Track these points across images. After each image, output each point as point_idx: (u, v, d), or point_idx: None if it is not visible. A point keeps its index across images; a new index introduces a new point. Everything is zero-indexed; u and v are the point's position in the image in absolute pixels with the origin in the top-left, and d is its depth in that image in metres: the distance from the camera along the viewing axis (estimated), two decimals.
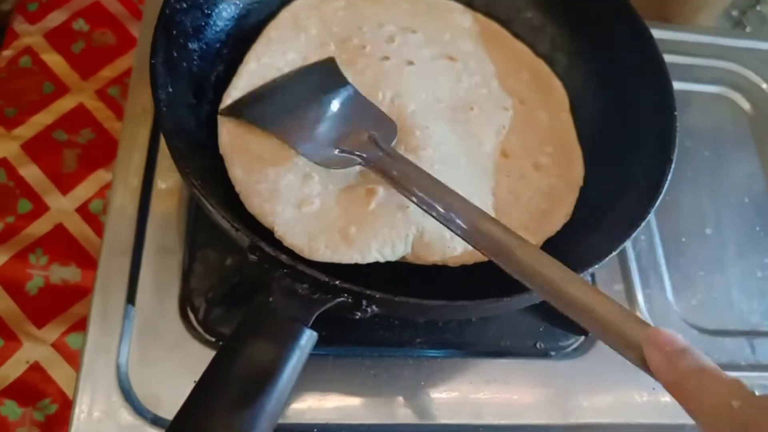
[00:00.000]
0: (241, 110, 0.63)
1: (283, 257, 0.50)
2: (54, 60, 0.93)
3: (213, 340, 0.62)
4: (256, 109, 0.63)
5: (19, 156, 0.87)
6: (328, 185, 0.60)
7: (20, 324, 0.77)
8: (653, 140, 0.64)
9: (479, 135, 0.67)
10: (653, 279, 0.75)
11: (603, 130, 0.69)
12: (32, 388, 0.75)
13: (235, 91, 0.64)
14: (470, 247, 0.55)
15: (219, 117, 0.62)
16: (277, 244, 0.55)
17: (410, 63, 0.70)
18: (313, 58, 0.69)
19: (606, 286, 0.73)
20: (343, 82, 0.66)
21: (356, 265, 0.55)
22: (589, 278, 0.71)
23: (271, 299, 0.49)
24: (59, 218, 0.84)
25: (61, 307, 0.79)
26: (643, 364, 0.40)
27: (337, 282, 0.49)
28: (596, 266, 0.55)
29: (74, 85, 0.92)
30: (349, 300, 0.50)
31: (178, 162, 0.53)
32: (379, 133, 0.61)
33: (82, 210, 0.84)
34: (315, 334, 0.48)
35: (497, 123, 0.69)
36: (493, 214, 0.61)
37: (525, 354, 0.67)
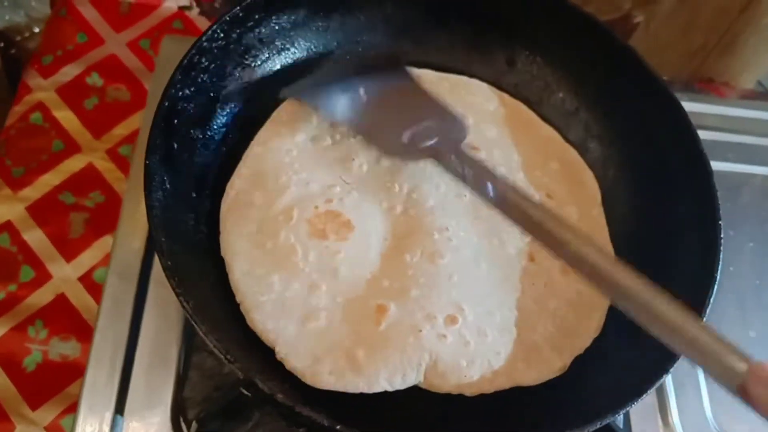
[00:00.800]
0: (300, 92, 0.62)
1: (279, 397, 0.45)
2: (66, 117, 0.90)
3: None
4: (317, 95, 0.62)
5: (24, 219, 0.84)
6: (336, 296, 0.56)
7: (14, 404, 0.74)
8: (694, 251, 0.58)
9: (501, 234, 0.62)
10: (689, 387, 0.69)
11: (638, 231, 0.63)
12: None
13: (238, 180, 0.60)
14: (488, 375, 0.50)
15: (222, 214, 0.58)
16: (273, 366, 0.50)
17: None
18: (325, 138, 0.64)
19: None
20: (408, 77, 0.64)
21: (359, 395, 0.51)
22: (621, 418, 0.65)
23: None
24: (61, 288, 0.80)
25: (57, 386, 0.75)
26: (744, 396, 0.42)
27: (338, 427, 0.44)
28: (634, 404, 0.50)
29: (85, 144, 0.89)
30: None
31: (170, 278, 0.49)
32: (449, 130, 0.60)
33: (86, 279, 0.81)
34: None
35: None
36: (515, 332, 0.56)
37: None
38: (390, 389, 0.52)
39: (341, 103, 0.61)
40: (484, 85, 0.72)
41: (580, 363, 0.57)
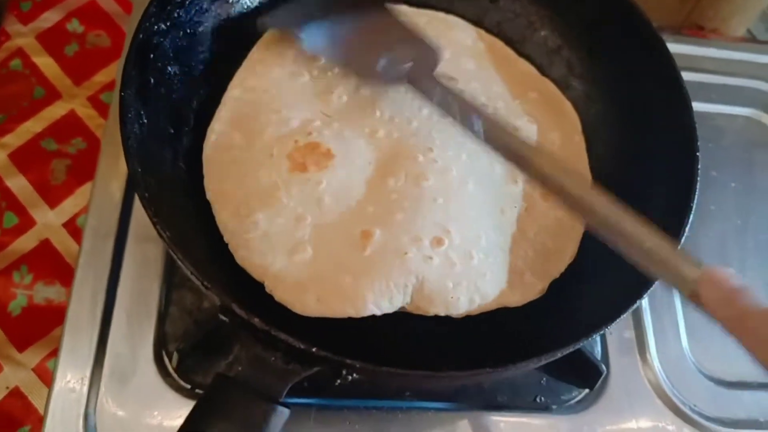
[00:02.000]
0: (279, 21, 0.62)
1: (256, 321, 0.45)
2: (46, 63, 0.89)
3: (189, 387, 0.58)
4: (296, 24, 0.62)
5: (6, 166, 0.83)
6: (321, 226, 0.55)
7: (1, 347, 0.74)
8: (673, 184, 0.58)
9: (492, 154, 0.61)
10: (667, 324, 0.70)
11: (617, 168, 0.63)
12: (11, 415, 0.72)
13: (218, 124, 0.60)
14: (474, 297, 0.53)
15: (204, 157, 0.58)
16: (257, 300, 0.50)
17: None
18: (302, 74, 0.64)
19: (615, 332, 0.67)
20: (381, 6, 0.63)
21: (335, 319, 0.51)
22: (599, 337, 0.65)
23: (240, 369, 0.44)
24: (45, 234, 0.80)
25: (43, 329, 0.75)
26: (697, 301, 0.42)
27: (314, 350, 0.45)
28: (608, 327, 0.50)
29: (66, 91, 0.88)
30: (327, 369, 0.46)
31: (147, 208, 0.49)
32: (425, 57, 0.60)
33: (70, 225, 0.81)
34: (286, 411, 0.44)
35: None
36: (500, 255, 0.56)
37: (524, 408, 0.62)
38: (378, 313, 0.52)
39: (320, 33, 0.61)
40: (461, 21, 0.71)
41: (558, 287, 0.58)
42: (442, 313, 0.54)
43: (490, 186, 0.60)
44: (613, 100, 0.67)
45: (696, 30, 1.05)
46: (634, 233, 0.46)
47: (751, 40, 1.03)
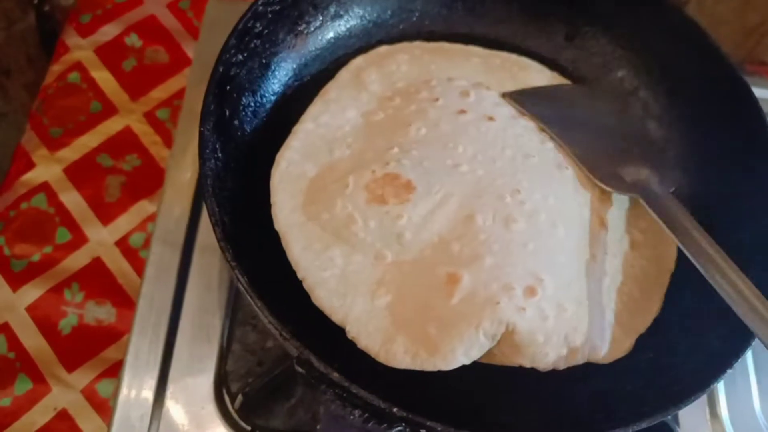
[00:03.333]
0: (525, 101, 0.62)
1: (335, 376, 0.44)
2: (104, 77, 0.89)
3: (249, 429, 0.57)
4: (541, 106, 0.62)
5: (61, 180, 0.83)
6: (402, 265, 0.53)
7: (50, 366, 0.74)
8: (759, 246, 0.56)
9: (577, 196, 0.59)
10: (739, 380, 0.67)
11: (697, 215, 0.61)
12: None
13: (289, 152, 0.59)
14: (563, 351, 0.51)
15: (272, 185, 0.56)
16: (332, 352, 0.48)
17: (490, 119, 0.62)
18: (377, 113, 0.62)
19: None
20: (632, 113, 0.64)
21: (415, 378, 0.49)
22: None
23: (318, 428, 0.43)
24: (98, 251, 0.79)
25: (93, 350, 0.75)
26: None
27: (395, 409, 0.43)
28: (701, 394, 0.48)
29: (122, 106, 0.87)
30: (407, 430, 0.44)
31: (224, 251, 0.47)
32: (659, 173, 0.59)
33: (122, 243, 0.80)
34: None
35: (596, 185, 0.61)
36: (593, 306, 0.54)
37: None
38: (467, 362, 0.50)
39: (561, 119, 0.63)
40: (536, 63, 0.69)
41: (641, 345, 0.55)
42: (528, 365, 0.52)
43: (580, 231, 0.58)
44: (692, 143, 0.65)
45: (759, 66, 1.02)
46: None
47: None
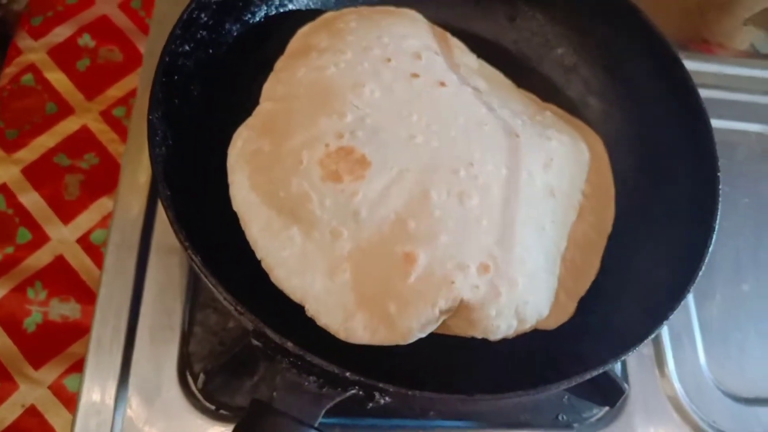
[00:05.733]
0: None
1: (290, 345, 0.45)
2: (58, 78, 0.89)
3: (213, 408, 0.58)
4: None
5: (19, 182, 0.83)
6: (360, 243, 0.53)
7: (17, 364, 0.74)
8: (693, 205, 0.59)
9: (530, 166, 0.60)
10: (685, 340, 0.71)
11: (636, 187, 0.64)
12: None
13: (244, 129, 0.58)
14: (514, 324, 0.53)
15: (229, 165, 0.56)
16: (289, 322, 0.50)
17: (442, 84, 0.61)
18: (328, 67, 0.60)
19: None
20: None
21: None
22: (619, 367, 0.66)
23: (274, 395, 0.44)
24: (60, 249, 0.80)
25: (59, 346, 0.75)
26: None
27: (348, 374, 0.45)
28: (636, 348, 0.51)
29: (78, 106, 0.88)
30: (361, 392, 0.46)
31: (177, 232, 0.49)
32: None
33: (84, 241, 0.80)
34: None
35: (545, 154, 0.61)
36: (544, 276, 0.57)
37: (546, 426, 0.63)
38: (422, 336, 0.51)
39: None
40: (465, 47, 0.70)
41: (582, 307, 0.58)
42: (479, 336, 0.53)
43: (531, 202, 0.58)
44: (631, 117, 0.68)
45: (702, 44, 1.06)
46: None
47: (755, 55, 1.04)
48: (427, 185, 0.55)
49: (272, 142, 0.56)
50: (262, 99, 0.61)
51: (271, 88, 0.61)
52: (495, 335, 0.53)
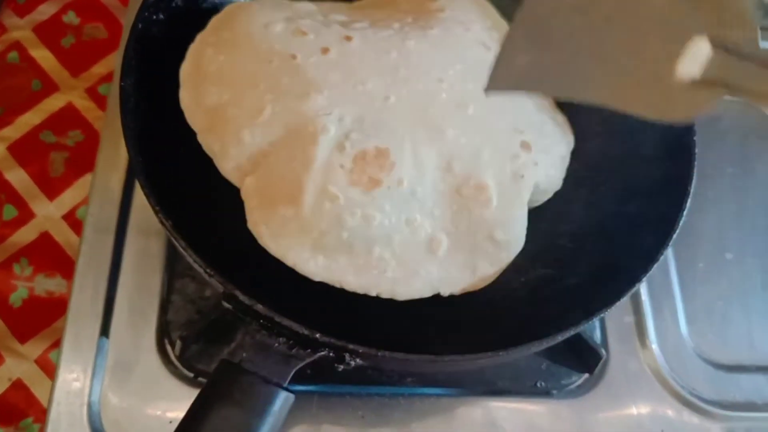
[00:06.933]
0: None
1: (259, 307, 0.46)
2: (43, 56, 0.89)
3: (192, 376, 0.59)
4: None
5: (5, 159, 0.83)
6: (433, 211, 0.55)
7: (3, 339, 0.75)
8: (669, 167, 0.59)
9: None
10: (666, 309, 0.70)
11: (609, 146, 0.63)
12: (14, 407, 0.72)
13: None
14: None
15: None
16: (260, 286, 0.50)
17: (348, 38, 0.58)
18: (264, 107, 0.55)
19: (614, 317, 0.68)
20: None
21: (338, 307, 0.51)
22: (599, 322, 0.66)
23: (244, 355, 0.45)
24: (45, 226, 0.80)
25: (45, 321, 0.76)
26: None
27: (317, 335, 0.45)
28: (608, 310, 0.51)
29: (63, 83, 0.88)
30: (331, 354, 0.46)
31: (148, 197, 0.49)
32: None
33: (69, 217, 0.81)
34: (291, 396, 0.45)
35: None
36: None
37: (524, 393, 0.63)
38: None
39: None
40: None
41: (558, 268, 0.58)
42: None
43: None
44: None
45: None
46: None
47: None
48: (440, 125, 0.56)
49: (291, 207, 0.52)
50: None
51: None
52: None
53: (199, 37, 0.56)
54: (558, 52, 0.41)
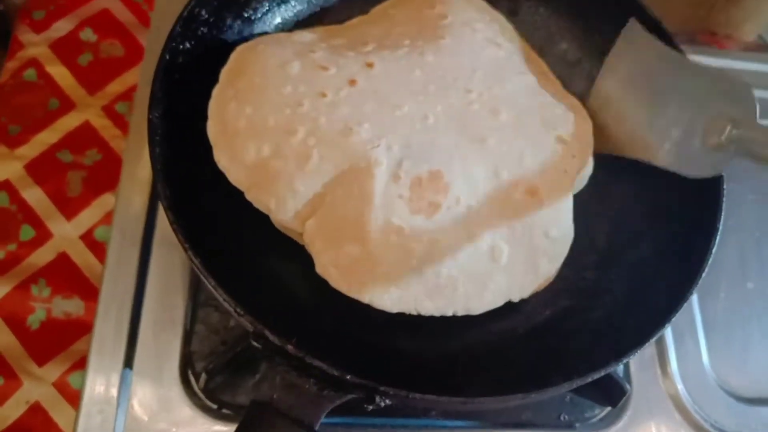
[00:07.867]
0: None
1: (290, 347, 0.45)
2: (60, 73, 0.88)
3: (215, 407, 0.58)
4: None
5: (22, 178, 0.83)
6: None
7: (20, 361, 0.74)
8: (697, 204, 0.59)
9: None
10: (688, 339, 0.70)
11: (640, 183, 0.63)
12: (32, 430, 0.72)
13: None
14: None
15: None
16: (288, 327, 0.49)
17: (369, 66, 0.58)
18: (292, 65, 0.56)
19: None
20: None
21: (361, 341, 0.51)
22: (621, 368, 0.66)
23: (274, 396, 0.44)
24: (63, 246, 0.80)
25: (63, 343, 0.76)
26: None
27: (348, 377, 0.45)
28: (640, 350, 0.51)
29: (80, 101, 0.88)
30: (361, 395, 0.46)
31: (177, 233, 0.48)
32: (737, 107, 0.56)
33: (87, 237, 0.81)
34: None
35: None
36: None
37: (548, 426, 0.63)
38: None
39: None
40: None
41: (584, 307, 0.58)
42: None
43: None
44: None
45: (709, 36, 1.05)
46: None
47: (761, 49, 1.03)
48: (481, 136, 0.57)
49: (358, 245, 0.52)
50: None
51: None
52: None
53: (216, 93, 0.55)
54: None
